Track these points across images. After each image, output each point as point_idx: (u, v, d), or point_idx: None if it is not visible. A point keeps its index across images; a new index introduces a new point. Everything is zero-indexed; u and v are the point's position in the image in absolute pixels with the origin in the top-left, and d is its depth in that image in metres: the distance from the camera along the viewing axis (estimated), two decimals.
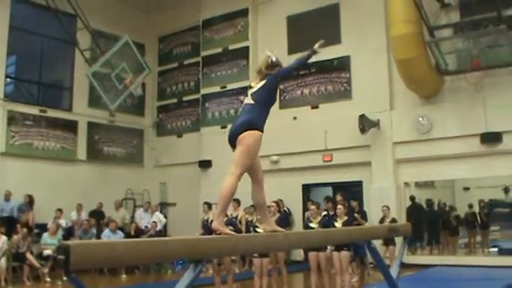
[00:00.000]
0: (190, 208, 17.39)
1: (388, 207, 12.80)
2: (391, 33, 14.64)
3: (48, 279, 13.59)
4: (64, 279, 12.60)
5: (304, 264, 13.33)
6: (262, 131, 5.02)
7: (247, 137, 4.92)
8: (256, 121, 5.01)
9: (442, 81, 15.09)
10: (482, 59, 13.89)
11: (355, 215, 12.89)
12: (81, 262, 3.16)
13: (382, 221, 12.60)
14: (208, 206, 13.06)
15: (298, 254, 16.02)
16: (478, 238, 18.17)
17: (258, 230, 10.28)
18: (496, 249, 16.32)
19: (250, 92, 5.23)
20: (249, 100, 5.17)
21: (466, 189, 19.32)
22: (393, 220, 12.09)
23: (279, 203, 13.43)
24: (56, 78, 19.15)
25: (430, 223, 16.93)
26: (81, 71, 17.71)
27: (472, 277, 10.04)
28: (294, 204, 16.41)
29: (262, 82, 5.24)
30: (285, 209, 16.02)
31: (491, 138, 14.14)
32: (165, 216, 18.20)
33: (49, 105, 17.84)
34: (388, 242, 11.91)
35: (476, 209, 18.40)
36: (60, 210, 15.85)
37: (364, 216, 13.68)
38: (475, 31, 14.07)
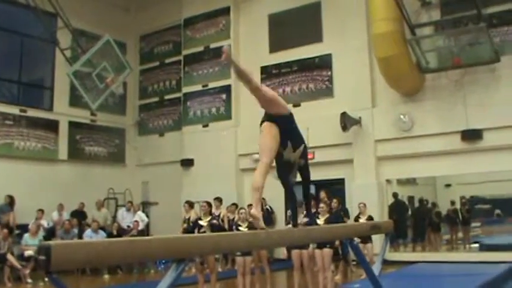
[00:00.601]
0: (173, 207, 17.34)
1: (364, 204, 12.56)
2: (372, 31, 14.71)
3: (29, 280, 13.49)
4: (45, 280, 12.51)
5: (287, 262, 13.35)
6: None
7: None
8: None
9: (423, 79, 15.17)
10: (463, 57, 13.97)
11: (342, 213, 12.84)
12: (63, 262, 3.12)
13: (357, 218, 12.48)
14: (190, 204, 13.07)
15: (281, 252, 16.05)
16: (460, 234, 18.30)
17: (240, 228, 10.29)
18: (477, 245, 16.45)
19: None
20: None
21: (448, 186, 19.46)
22: (370, 218, 11.98)
23: (261, 201, 13.42)
24: (37, 78, 19.04)
25: (413, 220, 17.02)
26: (62, 70, 17.58)
27: (453, 273, 10.11)
28: (277, 202, 16.43)
29: None
30: (268, 207, 16.05)
31: (471, 135, 14.24)
32: (147, 216, 18.16)
33: (29, 105, 17.72)
34: (366, 239, 11.86)
35: (457, 205, 18.54)
36: (41, 211, 15.75)
37: (346, 213, 13.70)
38: (455, 29, 14.17)
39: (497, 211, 20.36)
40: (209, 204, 11.42)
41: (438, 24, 15.00)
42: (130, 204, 17.82)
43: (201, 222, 10.90)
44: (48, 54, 18.43)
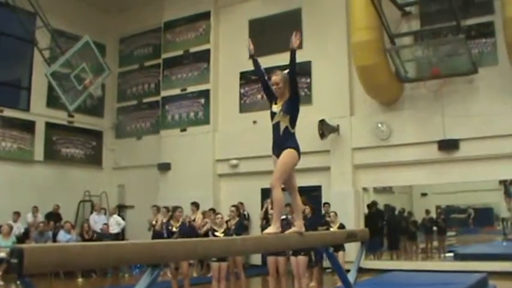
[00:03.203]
0: (149, 211, 17.15)
1: (335, 213, 12.31)
2: (352, 39, 14.77)
3: (1, 282, 13.30)
4: (18, 283, 12.34)
5: (262, 268, 13.32)
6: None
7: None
8: None
9: (402, 89, 15.26)
10: (441, 68, 14.09)
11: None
12: (35, 266, 3.08)
13: (328, 227, 12.19)
14: (157, 208, 13.35)
15: (256, 258, 16.05)
16: (435, 243, 18.41)
17: (216, 234, 10.27)
18: (452, 254, 16.55)
19: None
20: None
21: (424, 195, 19.60)
22: (341, 226, 11.81)
23: (239, 207, 13.41)
24: (14, 77, 18.87)
25: (389, 228, 17.09)
26: (40, 70, 17.40)
27: (428, 282, 10.14)
28: (253, 208, 16.44)
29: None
30: (245, 213, 16.04)
31: (448, 145, 14.35)
32: (123, 219, 18.04)
33: (6, 105, 17.51)
34: (338, 247, 11.77)
35: (433, 214, 18.66)
36: (17, 214, 15.59)
37: (326, 222, 13.61)
38: (434, 39, 14.31)
39: (470, 211, 20.64)
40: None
41: (418, 35, 15.11)
42: (100, 208, 17.65)
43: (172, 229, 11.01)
44: (26, 54, 18.27)
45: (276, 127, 5.65)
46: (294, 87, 5.73)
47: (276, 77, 5.65)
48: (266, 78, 5.96)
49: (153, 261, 3.96)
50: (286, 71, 5.79)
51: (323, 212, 13.73)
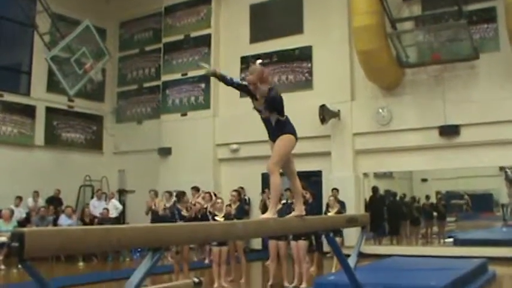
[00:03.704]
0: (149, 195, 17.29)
1: (334, 198, 12.32)
2: (353, 24, 14.70)
3: (2, 266, 13.36)
4: (19, 267, 12.39)
5: (263, 253, 13.35)
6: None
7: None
8: None
9: (403, 74, 15.23)
10: (443, 53, 14.07)
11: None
12: (36, 249, 3.09)
13: (326, 211, 12.23)
14: (155, 193, 13.41)
15: (257, 243, 16.10)
16: (435, 229, 18.45)
17: (216, 218, 10.29)
18: (451, 239, 16.59)
19: None
20: None
21: (424, 180, 19.64)
22: (339, 211, 11.77)
23: (240, 192, 13.40)
24: (14, 62, 18.82)
25: (390, 214, 17.11)
26: (40, 55, 17.38)
27: (427, 267, 10.16)
28: (254, 193, 16.46)
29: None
30: (245, 197, 16.06)
31: (449, 131, 14.35)
32: (124, 204, 18.06)
33: (6, 89, 17.49)
34: (335, 233, 11.75)
35: (433, 200, 18.69)
36: (19, 198, 15.61)
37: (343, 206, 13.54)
38: (436, 25, 14.25)
39: (466, 197, 20.70)
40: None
41: (419, 19, 15.07)
42: (100, 193, 17.66)
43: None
44: (27, 38, 18.21)
45: (266, 120, 5.55)
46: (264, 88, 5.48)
47: (249, 78, 5.46)
48: (240, 81, 5.81)
49: (153, 244, 3.97)
50: (259, 62, 5.66)
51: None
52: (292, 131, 5.58)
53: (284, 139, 5.49)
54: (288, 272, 10.54)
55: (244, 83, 5.61)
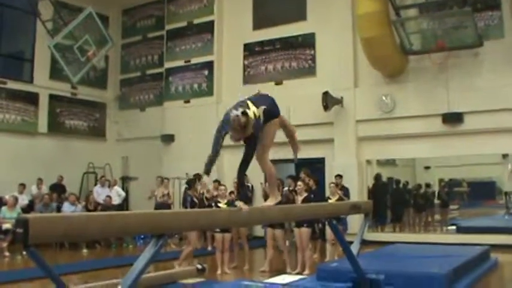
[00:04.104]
0: (152, 182, 17.27)
1: (336, 185, 12.29)
2: (356, 11, 14.63)
3: (7, 253, 13.40)
4: (23, 253, 12.44)
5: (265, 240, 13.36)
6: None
7: None
8: None
9: (407, 61, 15.18)
10: (447, 40, 14.01)
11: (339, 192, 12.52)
12: (40, 236, 3.11)
13: (327, 199, 12.15)
14: (162, 180, 13.43)
15: (260, 230, 16.12)
16: (437, 216, 18.47)
17: (219, 205, 10.31)
18: (454, 227, 16.60)
19: None
20: None
21: (427, 168, 19.61)
22: (340, 199, 11.70)
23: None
24: (17, 49, 18.81)
25: (393, 201, 17.13)
26: (43, 42, 17.34)
27: (430, 254, 10.18)
28: (257, 180, 16.45)
29: None
30: (248, 184, 16.06)
31: (452, 118, 14.32)
32: (127, 191, 18.08)
33: (9, 77, 17.49)
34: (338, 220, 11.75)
35: (436, 187, 18.68)
36: (23, 185, 15.63)
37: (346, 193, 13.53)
38: (440, 12, 14.19)
39: (464, 184, 20.71)
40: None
41: (423, 6, 14.98)
42: (104, 179, 17.68)
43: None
44: (29, 25, 18.17)
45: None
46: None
47: (236, 138, 5.69)
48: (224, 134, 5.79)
49: (157, 231, 3.98)
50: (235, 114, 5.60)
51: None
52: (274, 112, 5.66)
53: (268, 127, 5.59)
54: (290, 259, 10.59)
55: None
